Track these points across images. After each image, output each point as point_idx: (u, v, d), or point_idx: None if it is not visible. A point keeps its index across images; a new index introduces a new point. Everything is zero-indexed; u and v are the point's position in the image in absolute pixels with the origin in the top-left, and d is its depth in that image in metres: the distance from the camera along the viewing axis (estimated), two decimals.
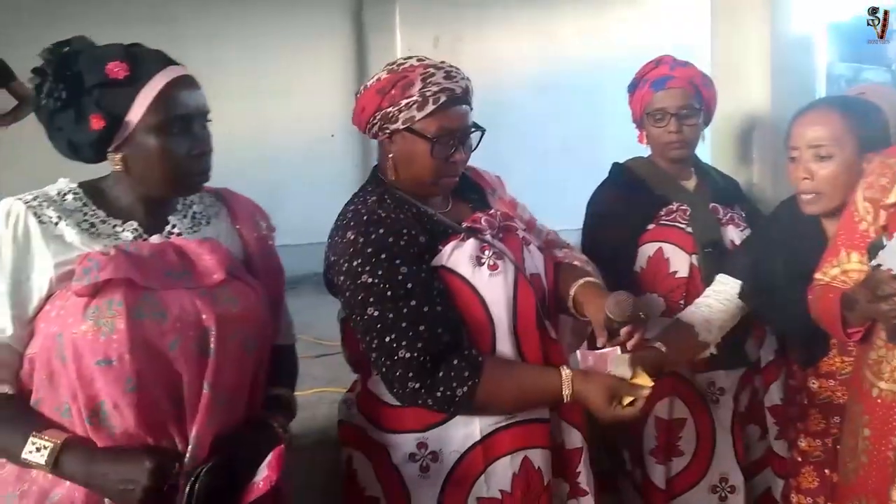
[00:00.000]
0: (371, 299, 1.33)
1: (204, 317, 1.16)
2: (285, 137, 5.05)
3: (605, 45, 5.55)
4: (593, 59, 5.51)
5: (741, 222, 1.92)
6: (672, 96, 1.87)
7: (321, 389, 2.39)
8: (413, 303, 1.32)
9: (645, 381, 1.35)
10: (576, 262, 1.60)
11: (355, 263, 1.35)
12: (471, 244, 1.40)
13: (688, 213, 1.87)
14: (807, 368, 1.70)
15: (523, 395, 1.37)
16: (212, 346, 1.16)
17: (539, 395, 1.39)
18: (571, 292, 1.50)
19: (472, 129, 1.44)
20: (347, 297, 1.38)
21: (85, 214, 1.19)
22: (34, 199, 1.17)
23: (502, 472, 1.41)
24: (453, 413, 1.37)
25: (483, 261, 1.39)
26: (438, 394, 1.32)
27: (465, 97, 1.42)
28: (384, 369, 1.35)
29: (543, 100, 5.35)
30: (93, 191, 1.22)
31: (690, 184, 1.97)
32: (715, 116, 2.01)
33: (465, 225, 1.44)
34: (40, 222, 1.14)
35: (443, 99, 1.38)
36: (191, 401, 1.15)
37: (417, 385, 1.32)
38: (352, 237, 1.36)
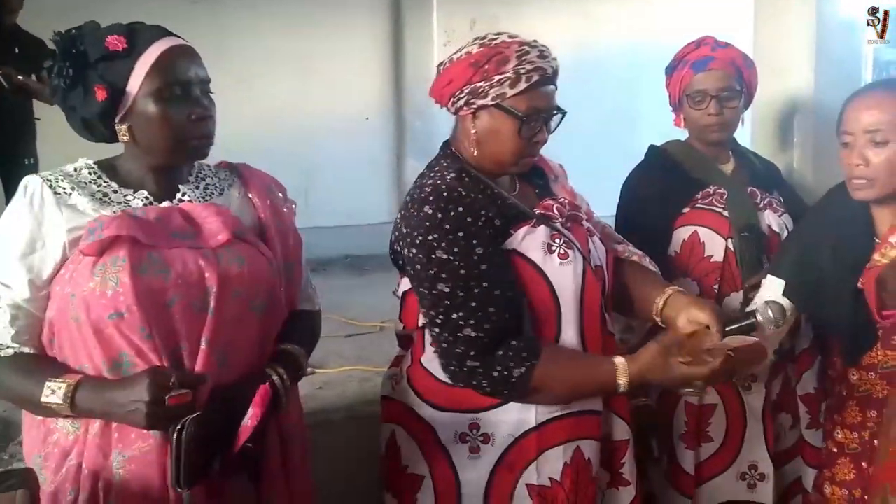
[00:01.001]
0: (443, 275, 1.34)
1: (207, 275, 1.21)
2: (321, 120, 5.07)
3: (644, 27, 5.47)
4: (631, 41, 5.43)
5: (779, 207, 1.89)
6: (713, 78, 1.83)
7: (350, 368, 2.43)
8: (485, 284, 1.33)
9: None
10: (644, 263, 1.61)
11: (430, 238, 1.34)
12: (542, 231, 1.40)
13: (724, 197, 1.84)
14: (851, 364, 1.66)
15: (579, 383, 1.37)
16: (212, 304, 1.20)
17: (594, 386, 1.38)
18: (660, 302, 1.48)
19: (556, 112, 1.43)
20: (418, 269, 1.37)
21: (98, 186, 1.25)
22: (50, 174, 1.24)
23: (554, 460, 1.41)
24: (507, 397, 1.37)
25: (554, 249, 1.39)
26: (495, 373, 1.33)
27: (554, 78, 1.42)
28: (446, 345, 1.36)
29: (580, 82, 5.28)
30: (107, 166, 1.29)
31: (728, 167, 1.94)
32: (756, 100, 1.97)
33: (537, 211, 1.44)
34: (55, 193, 1.21)
35: (535, 78, 1.37)
36: (190, 356, 1.19)
37: (476, 364, 1.33)
38: (430, 212, 1.36)
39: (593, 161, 4.22)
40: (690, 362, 1.30)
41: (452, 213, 1.35)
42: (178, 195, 1.29)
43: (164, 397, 1.10)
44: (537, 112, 1.39)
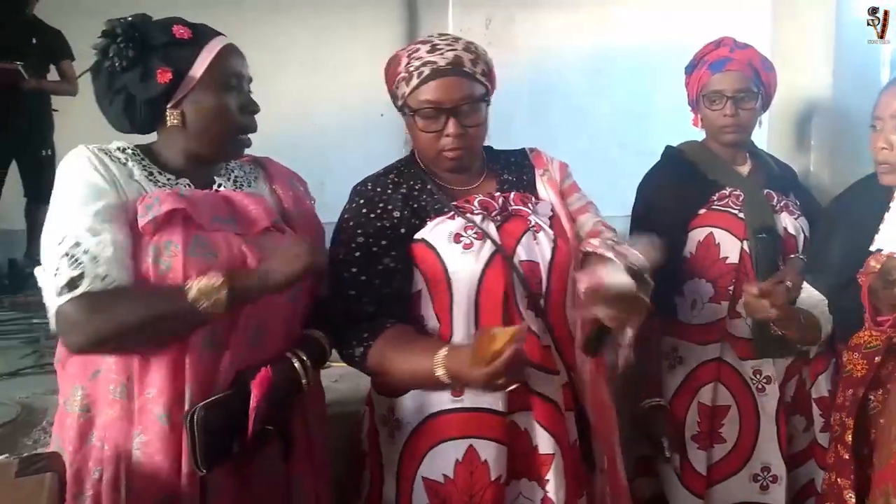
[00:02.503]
0: (333, 261, 1.41)
1: (249, 260, 1.24)
2: (336, 116, 5.09)
3: (661, 27, 5.44)
4: (648, 41, 5.40)
5: (795, 210, 1.88)
6: (730, 79, 1.84)
7: None
8: (354, 269, 1.40)
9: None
10: (600, 251, 1.42)
11: (336, 227, 1.47)
12: (457, 222, 1.42)
13: (741, 199, 1.84)
14: (841, 340, 1.70)
15: (409, 369, 1.35)
16: None
17: (422, 372, 1.32)
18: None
19: (468, 101, 1.39)
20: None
21: (143, 166, 1.28)
22: (97, 147, 1.25)
23: (445, 456, 1.39)
24: (367, 372, 1.43)
25: (461, 239, 1.40)
26: (344, 352, 1.41)
27: (455, 69, 1.39)
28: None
29: (596, 81, 5.28)
30: (146, 150, 1.32)
31: (745, 169, 1.94)
32: (773, 101, 1.97)
33: (453, 204, 1.45)
34: (111, 159, 1.24)
35: (426, 72, 1.39)
36: (224, 340, 1.23)
37: (336, 341, 1.41)
38: (346, 204, 1.49)
39: (607, 160, 4.23)
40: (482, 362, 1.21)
41: (353, 205, 1.46)
42: (215, 186, 1.33)
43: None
44: (435, 104, 1.38)
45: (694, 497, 1.86)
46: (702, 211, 1.86)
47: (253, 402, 1.17)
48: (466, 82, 1.40)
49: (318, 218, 1.49)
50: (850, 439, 1.59)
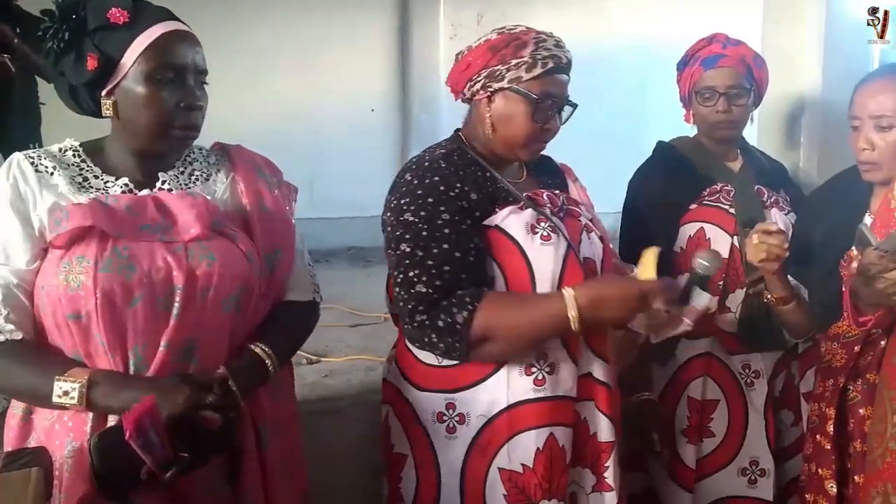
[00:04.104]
0: (407, 235, 1.37)
1: (174, 273, 1.17)
2: (327, 112, 5.07)
3: (653, 24, 5.45)
4: (641, 38, 5.41)
5: (785, 206, 1.89)
6: (722, 75, 1.84)
7: (355, 357, 2.44)
8: (445, 246, 1.35)
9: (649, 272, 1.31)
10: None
11: (403, 201, 1.39)
12: (528, 213, 1.42)
13: (731, 194, 1.85)
14: (819, 331, 1.71)
15: (526, 321, 1.33)
16: (176, 304, 1.16)
17: (543, 321, 1.32)
18: None
19: (568, 102, 1.46)
20: (388, 231, 1.42)
21: (81, 169, 1.23)
22: (34, 152, 1.22)
23: (526, 445, 1.40)
24: (458, 350, 1.33)
25: (538, 231, 1.40)
26: (440, 322, 1.32)
27: (567, 68, 1.46)
28: (402, 303, 1.37)
29: (588, 79, 5.27)
30: (92, 148, 1.27)
31: (735, 165, 1.94)
32: (764, 98, 1.97)
33: (526, 195, 1.46)
34: (35, 170, 1.19)
35: (551, 64, 1.41)
36: (147, 358, 1.16)
37: (424, 317, 1.33)
38: (408, 178, 1.42)
39: (601, 158, 4.22)
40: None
41: (427, 181, 1.40)
42: (158, 184, 1.26)
43: (194, 414, 1.09)
44: (551, 97, 1.42)
45: (683, 491, 1.87)
46: (693, 206, 1.86)
47: (127, 435, 1.03)
48: (568, 85, 1.47)
49: (285, 213, 1.38)
50: (832, 429, 1.60)
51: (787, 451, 1.94)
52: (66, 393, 1.11)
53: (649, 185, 1.91)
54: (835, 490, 1.60)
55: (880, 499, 1.44)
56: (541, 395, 1.40)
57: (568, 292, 1.30)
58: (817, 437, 1.65)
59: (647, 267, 1.30)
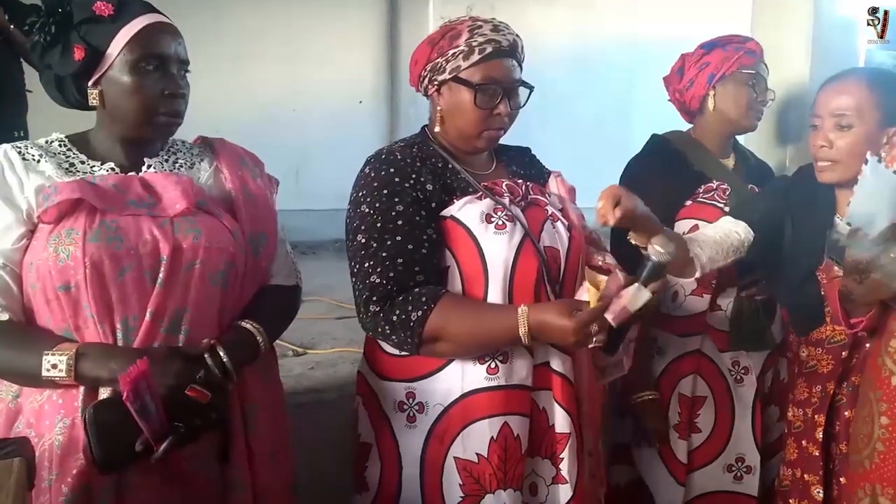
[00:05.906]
0: (363, 227, 1.38)
1: (161, 245, 1.20)
2: (313, 103, 5.05)
3: (643, 20, 5.47)
4: (630, 34, 5.43)
5: None
6: (763, 65, 1.90)
7: (342, 349, 2.44)
8: (398, 238, 1.36)
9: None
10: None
11: (360, 193, 1.41)
12: (485, 203, 1.41)
13: (727, 193, 1.85)
14: (800, 335, 1.71)
15: (479, 329, 1.34)
16: (161, 274, 1.19)
17: (495, 331, 1.34)
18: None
19: (518, 84, 1.45)
20: (347, 223, 1.43)
21: (67, 157, 1.27)
22: (20, 143, 1.26)
23: (480, 434, 1.39)
24: (410, 345, 1.35)
25: (493, 220, 1.40)
26: (394, 318, 1.33)
27: (512, 52, 1.44)
28: (357, 293, 1.38)
29: (577, 74, 5.30)
30: (78, 139, 1.30)
31: (729, 162, 1.95)
32: None
33: (483, 185, 1.46)
34: (23, 158, 1.22)
35: (488, 49, 1.41)
36: (135, 329, 1.18)
37: (377, 308, 1.35)
38: (367, 171, 1.44)
39: (589, 154, 4.24)
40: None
41: (383, 173, 1.41)
42: (144, 168, 1.29)
43: (185, 386, 1.10)
44: (494, 82, 1.41)
45: (676, 484, 1.88)
46: (688, 203, 1.86)
47: (125, 396, 1.05)
48: (517, 67, 1.46)
49: (268, 200, 1.42)
50: (821, 436, 1.61)
51: (772, 447, 1.95)
52: (54, 366, 1.13)
53: (644, 179, 1.86)
54: (822, 495, 1.60)
55: (868, 500, 1.45)
56: (494, 383, 1.39)
57: (522, 310, 1.31)
58: (803, 442, 1.66)
59: (591, 294, 1.28)
